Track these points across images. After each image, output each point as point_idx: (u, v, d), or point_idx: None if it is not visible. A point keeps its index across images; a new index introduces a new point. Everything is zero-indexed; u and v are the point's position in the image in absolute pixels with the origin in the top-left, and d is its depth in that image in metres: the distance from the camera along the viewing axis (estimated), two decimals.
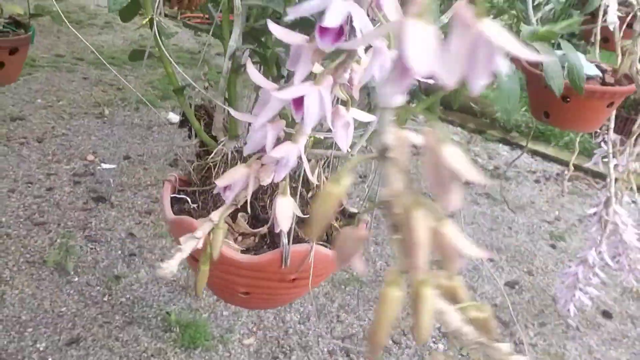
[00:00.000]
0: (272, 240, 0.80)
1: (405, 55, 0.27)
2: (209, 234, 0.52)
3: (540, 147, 3.00)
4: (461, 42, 0.29)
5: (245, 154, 0.47)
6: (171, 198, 0.79)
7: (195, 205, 0.79)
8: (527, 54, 0.29)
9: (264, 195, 0.80)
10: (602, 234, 1.33)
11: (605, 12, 1.14)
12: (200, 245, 0.51)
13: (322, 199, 0.33)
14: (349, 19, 0.36)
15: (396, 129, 0.33)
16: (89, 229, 1.87)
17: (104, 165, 2.23)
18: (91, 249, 1.79)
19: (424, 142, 0.33)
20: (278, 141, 0.47)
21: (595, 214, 1.31)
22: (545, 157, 2.96)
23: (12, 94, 2.70)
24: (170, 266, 0.45)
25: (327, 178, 0.88)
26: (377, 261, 1.96)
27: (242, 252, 0.76)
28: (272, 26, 0.41)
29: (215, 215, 0.51)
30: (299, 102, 0.40)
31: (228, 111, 0.82)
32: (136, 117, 2.68)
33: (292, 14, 0.37)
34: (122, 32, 3.84)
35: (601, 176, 1.49)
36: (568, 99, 0.99)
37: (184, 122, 0.91)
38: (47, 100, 2.72)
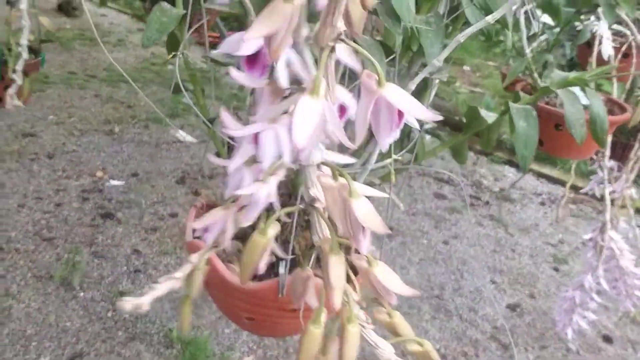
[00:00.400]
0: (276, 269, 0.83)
1: (292, 129, 0.31)
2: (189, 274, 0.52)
3: (546, 170, 3.01)
4: (365, 105, 0.33)
5: (225, 197, 0.48)
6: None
7: None
8: (426, 115, 0.32)
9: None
10: (598, 259, 1.34)
11: (600, 42, 1.16)
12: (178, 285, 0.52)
13: (249, 248, 0.37)
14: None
15: (321, 181, 0.36)
16: (95, 244, 1.91)
17: (112, 182, 2.27)
18: (97, 264, 1.82)
19: (335, 194, 0.36)
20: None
21: (591, 239, 1.33)
22: (551, 179, 2.97)
23: (25, 110, 2.75)
24: (140, 302, 0.47)
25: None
26: None
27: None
28: (233, 72, 0.43)
29: (194, 257, 0.52)
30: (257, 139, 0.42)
31: None
32: (145, 135, 2.72)
33: (219, 50, 0.40)
34: (134, 50, 3.90)
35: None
36: (560, 127, 1.01)
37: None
38: (58, 117, 2.77)
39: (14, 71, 1.16)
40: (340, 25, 0.32)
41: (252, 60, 0.39)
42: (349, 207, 0.34)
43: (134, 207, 2.14)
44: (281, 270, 0.78)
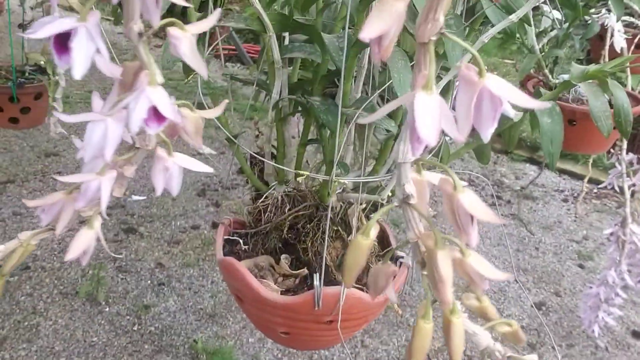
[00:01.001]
0: (313, 282, 0.83)
1: (416, 127, 0.31)
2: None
3: (568, 166, 2.98)
4: (468, 97, 0.33)
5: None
6: (225, 240, 0.84)
7: (246, 247, 0.84)
8: (527, 102, 0.32)
9: (305, 238, 0.84)
10: (620, 254, 1.33)
11: (612, 35, 1.15)
12: None
13: (352, 250, 0.37)
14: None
15: (415, 177, 0.36)
16: (119, 259, 1.93)
17: (134, 197, 2.30)
18: (121, 279, 1.84)
19: (442, 189, 0.36)
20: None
21: (612, 234, 1.32)
22: (573, 175, 2.94)
23: (47, 130, 2.79)
24: None
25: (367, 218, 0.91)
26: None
27: (282, 292, 0.79)
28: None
29: (23, 235, 0.50)
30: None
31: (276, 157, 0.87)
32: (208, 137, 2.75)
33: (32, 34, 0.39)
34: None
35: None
36: (574, 122, 1.01)
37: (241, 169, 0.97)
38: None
39: (54, 99, 1.18)
40: (442, 19, 0.32)
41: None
42: (457, 201, 0.35)
43: (155, 220, 2.17)
44: (316, 282, 0.78)
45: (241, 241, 0.85)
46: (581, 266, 2.18)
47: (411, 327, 1.91)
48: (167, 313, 1.72)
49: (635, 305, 1.94)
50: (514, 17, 0.81)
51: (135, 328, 1.65)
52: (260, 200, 0.86)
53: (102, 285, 1.78)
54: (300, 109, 0.85)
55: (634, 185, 1.32)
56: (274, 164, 0.87)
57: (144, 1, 0.36)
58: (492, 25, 0.80)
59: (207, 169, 0.46)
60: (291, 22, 0.79)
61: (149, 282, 1.84)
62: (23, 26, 1.34)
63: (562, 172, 2.95)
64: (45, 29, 0.35)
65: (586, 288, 2.05)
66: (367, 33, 0.31)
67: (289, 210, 0.84)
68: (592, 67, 0.88)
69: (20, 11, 1.54)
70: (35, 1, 1.25)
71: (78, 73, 0.36)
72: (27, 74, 1.29)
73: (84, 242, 0.47)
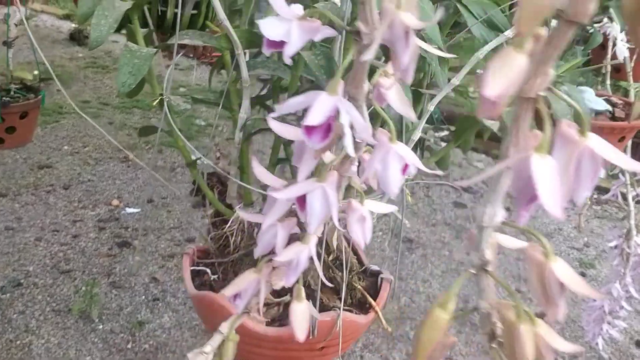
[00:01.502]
0: None
1: (540, 195, 0.28)
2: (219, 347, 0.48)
3: None
4: (568, 158, 0.30)
5: (255, 256, 0.45)
6: (191, 271, 0.80)
7: (215, 277, 0.80)
8: (630, 164, 0.29)
9: None
10: (625, 266, 1.30)
11: (614, 44, 1.13)
12: None
13: (428, 326, 0.32)
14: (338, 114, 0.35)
15: (493, 241, 0.33)
16: (113, 275, 1.89)
17: (128, 210, 2.26)
18: (115, 295, 1.80)
19: (529, 256, 0.33)
20: (292, 239, 0.45)
21: (616, 246, 1.29)
22: None
23: (40, 142, 2.77)
24: None
25: (348, 243, 0.87)
26: (401, 297, 1.94)
27: (268, 323, 0.75)
28: (272, 123, 0.41)
29: (224, 326, 0.48)
30: (303, 200, 0.38)
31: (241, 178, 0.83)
32: (160, 160, 2.71)
33: (279, 111, 0.37)
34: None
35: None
36: None
37: (198, 190, 0.92)
38: (73, 147, 2.78)
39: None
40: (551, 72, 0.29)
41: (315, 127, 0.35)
42: (549, 270, 0.32)
43: (150, 234, 2.13)
44: (316, 314, 0.76)
45: (209, 271, 0.81)
46: (583, 274, 2.15)
47: (410, 340, 1.88)
48: (162, 329, 1.68)
49: (638, 315, 1.91)
50: (509, 33, 0.79)
51: (129, 346, 1.62)
52: (227, 225, 0.82)
53: (95, 302, 1.74)
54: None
55: (637, 195, 1.29)
56: (246, 185, 0.83)
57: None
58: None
59: (393, 208, 0.47)
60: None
61: (144, 297, 1.81)
62: (8, 43, 1.30)
63: None
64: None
65: (589, 300, 2.03)
66: (492, 91, 0.27)
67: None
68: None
69: (5, 28, 1.51)
70: (20, 18, 1.22)
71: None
72: (12, 93, 1.26)
73: (303, 318, 0.45)
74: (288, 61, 0.37)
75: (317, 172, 0.39)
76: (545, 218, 2.54)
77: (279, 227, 0.43)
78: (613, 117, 1.01)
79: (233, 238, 0.81)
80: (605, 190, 2.82)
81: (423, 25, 0.33)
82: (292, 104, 0.36)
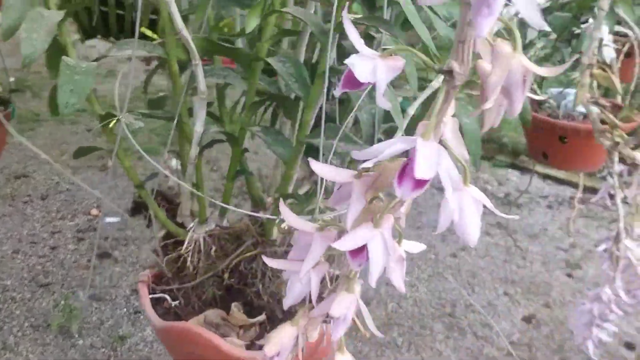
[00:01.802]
0: (273, 327, 0.77)
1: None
2: None
3: (552, 171, 2.94)
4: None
5: (285, 307, 0.41)
6: (150, 299, 0.76)
7: (177, 302, 0.76)
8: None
9: (254, 280, 0.77)
10: (614, 270, 1.28)
11: (600, 45, 1.10)
12: None
13: None
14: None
15: None
16: (93, 287, 1.85)
17: (108, 219, 2.21)
18: (95, 308, 1.76)
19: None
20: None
21: (606, 250, 1.27)
22: (557, 180, 2.90)
23: (17, 150, 2.71)
24: None
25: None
26: (388, 303, 1.91)
27: (247, 347, 0.72)
28: (314, 165, 0.37)
29: None
30: (357, 249, 0.35)
31: (193, 195, 0.79)
32: (139, 167, 2.66)
33: (358, 157, 0.34)
34: (125, 79, 3.85)
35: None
36: (566, 139, 0.96)
37: (137, 210, 0.88)
38: (50, 155, 2.71)
39: None
40: None
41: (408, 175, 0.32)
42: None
43: (130, 244, 2.09)
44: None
45: (168, 297, 0.77)
46: (570, 275, 2.13)
47: (398, 346, 1.85)
48: (144, 343, 1.64)
49: (627, 315, 1.89)
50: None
51: None
52: (184, 247, 0.78)
53: (75, 316, 1.69)
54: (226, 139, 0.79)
55: (625, 197, 1.27)
56: (219, 202, 0.80)
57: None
58: None
59: (422, 247, 0.44)
60: (217, 47, 0.72)
61: (125, 310, 1.76)
62: None
63: (545, 177, 2.92)
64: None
65: (578, 300, 2.01)
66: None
67: (217, 252, 0.77)
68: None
69: None
70: None
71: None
72: None
73: None
74: (386, 105, 0.34)
75: (374, 220, 0.35)
76: (531, 219, 2.53)
77: (312, 273, 0.40)
78: (602, 120, 0.99)
79: (190, 259, 0.77)
80: (590, 189, 2.82)
81: (550, 72, 0.32)
82: (376, 150, 0.32)
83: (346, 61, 0.33)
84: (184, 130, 0.76)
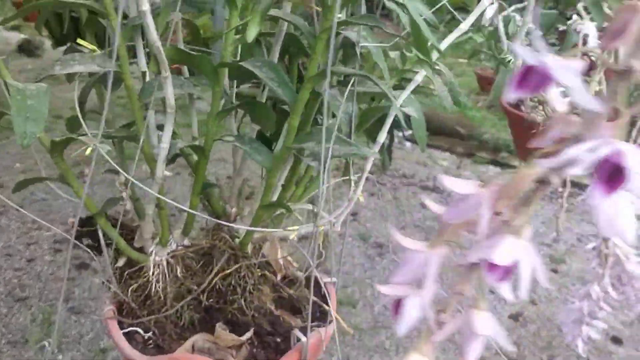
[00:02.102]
0: (260, 340, 0.74)
1: None
2: None
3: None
4: None
5: (400, 333, 0.37)
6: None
7: (151, 334, 0.72)
8: None
9: (234, 296, 0.74)
10: (604, 267, 1.27)
11: (585, 41, 1.09)
12: None
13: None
14: None
15: None
16: (72, 299, 1.80)
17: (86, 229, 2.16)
18: (75, 321, 1.71)
19: None
20: None
21: (594, 248, 1.26)
22: None
23: None
24: None
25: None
26: (374, 305, 1.89)
27: None
28: (447, 180, 0.33)
29: None
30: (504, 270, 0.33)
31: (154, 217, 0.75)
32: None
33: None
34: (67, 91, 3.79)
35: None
36: (534, 132, 0.93)
37: (82, 236, 0.83)
38: (25, 164, 2.66)
39: None
40: None
41: None
42: None
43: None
44: (303, 338, 0.70)
45: (141, 330, 0.73)
46: (555, 270, 2.13)
47: (386, 350, 1.83)
48: None
49: (614, 310, 1.89)
50: (463, 26, 0.76)
51: None
52: (150, 272, 0.74)
53: (53, 331, 1.64)
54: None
55: None
56: (203, 215, 0.76)
57: None
58: None
59: (504, 339, 0.38)
60: (184, 55, 0.69)
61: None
62: None
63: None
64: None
65: (567, 292, 2.01)
66: None
67: (184, 273, 0.73)
68: None
69: None
70: None
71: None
72: None
73: None
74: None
75: (512, 230, 0.33)
76: None
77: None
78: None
79: (155, 286, 0.73)
80: (573, 184, 2.82)
81: None
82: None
83: (531, 60, 0.29)
84: (145, 149, 0.71)
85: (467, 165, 3.04)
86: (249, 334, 0.73)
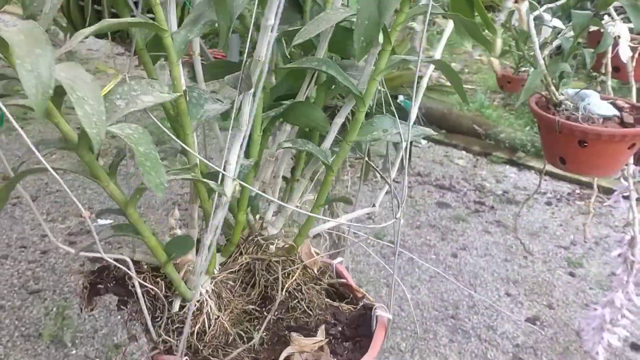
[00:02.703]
0: (327, 333, 0.73)
1: None
2: None
3: (548, 166, 2.90)
4: None
5: None
6: None
7: None
8: None
9: (294, 301, 0.72)
10: (628, 274, 1.24)
11: (616, 43, 1.06)
12: None
13: None
14: None
15: None
16: None
17: (100, 222, 2.15)
18: (89, 316, 1.70)
19: None
20: None
21: (620, 255, 1.23)
22: (554, 175, 2.87)
23: (4, 150, 2.63)
24: None
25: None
26: (389, 306, 1.86)
27: None
28: None
29: None
30: None
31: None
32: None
33: None
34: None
35: (611, 191, 1.40)
36: (585, 144, 0.91)
37: (94, 292, 0.78)
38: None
39: None
40: None
41: None
42: None
43: (124, 247, 2.02)
44: (387, 315, 0.70)
45: None
46: (572, 274, 2.10)
47: (402, 351, 1.81)
48: (141, 352, 1.58)
49: (632, 314, 1.86)
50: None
51: None
52: (204, 305, 0.70)
53: (67, 325, 1.64)
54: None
55: None
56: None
57: None
58: None
59: None
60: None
61: (119, 317, 1.71)
62: None
63: (541, 172, 2.88)
64: None
65: (584, 296, 1.98)
66: None
67: (231, 294, 0.70)
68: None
69: None
70: None
71: None
72: None
73: None
74: None
75: None
76: (530, 217, 2.49)
77: None
78: (622, 123, 0.94)
79: (209, 318, 0.69)
80: (588, 185, 2.78)
81: None
82: None
83: None
84: (110, 191, 0.62)
85: (484, 165, 3.00)
86: (322, 333, 0.70)
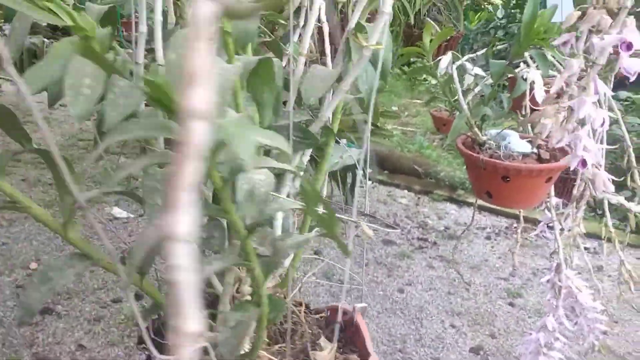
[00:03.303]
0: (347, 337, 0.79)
1: None
2: None
3: (486, 202, 3.04)
4: None
5: None
6: None
7: None
8: None
9: (294, 337, 0.77)
10: (557, 299, 1.34)
11: (532, 88, 1.17)
12: None
13: None
14: None
15: None
16: (36, 345, 1.78)
17: (117, 214, 2.15)
18: None
19: None
20: None
21: (548, 281, 1.32)
22: (492, 211, 3.00)
23: None
24: None
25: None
26: None
27: None
28: None
29: None
30: None
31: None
32: (78, 216, 2.60)
33: None
34: (60, 127, 3.78)
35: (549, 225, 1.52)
36: (508, 179, 1.01)
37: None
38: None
39: None
40: None
41: None
42: None
43: (73, 297, 2.03)
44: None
45: None
46: (511, 304, 2.20)
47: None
48: None
49: (568, 340, 1.96)
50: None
51: None
52: None
53: None
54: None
55: (562, 229, 1.34)
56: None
57: None
58: None
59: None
60: None
61: None
62: None
63: (481, 208, 3.01)
64: None
65: (524, 325, 2.07)
66: None
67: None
68: None
69: None
70: None
71: None
72: None
73: None
74: None
75: None
76: (471, 251, 2.60)
77: None
78: (539, 159, 1.04)
79: None
80: (525, 219, 2.92)
81: None
82: None
83: None
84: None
85: (426, 202, 3.12)
86: (326, 341, 0.77)
